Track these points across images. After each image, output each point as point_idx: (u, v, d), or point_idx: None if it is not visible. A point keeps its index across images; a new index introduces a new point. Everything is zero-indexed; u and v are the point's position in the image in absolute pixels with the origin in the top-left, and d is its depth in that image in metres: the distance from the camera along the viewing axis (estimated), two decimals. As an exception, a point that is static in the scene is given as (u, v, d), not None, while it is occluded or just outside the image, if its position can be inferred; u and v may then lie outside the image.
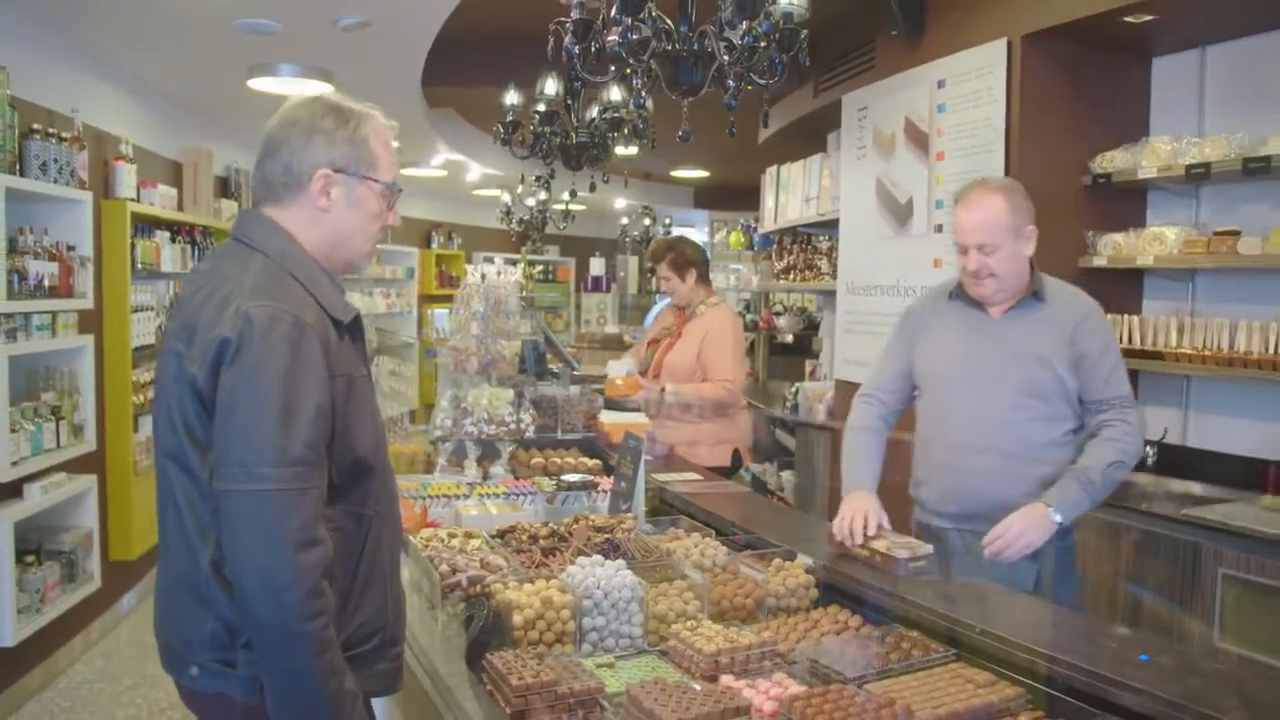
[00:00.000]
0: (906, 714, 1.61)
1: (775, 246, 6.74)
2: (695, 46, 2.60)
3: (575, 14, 2.63)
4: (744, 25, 2.45)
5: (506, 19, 5.09)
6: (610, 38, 2.53)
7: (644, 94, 2.93)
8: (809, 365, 6.66)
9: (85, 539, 4.46)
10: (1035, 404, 2.51)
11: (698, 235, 11.98)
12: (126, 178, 4.87)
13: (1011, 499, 2.43)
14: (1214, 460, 3.59)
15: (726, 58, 2.53)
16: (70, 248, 4.24)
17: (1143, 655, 1.74)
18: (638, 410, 4.02)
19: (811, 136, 6.30)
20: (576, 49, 2.66)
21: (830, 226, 5.47)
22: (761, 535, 2.56)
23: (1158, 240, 3.58)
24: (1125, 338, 3.62)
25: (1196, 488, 3.41)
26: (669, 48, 2.59)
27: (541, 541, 2.41)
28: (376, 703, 1.75)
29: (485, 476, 3.25)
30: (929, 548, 2.30)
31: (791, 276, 6.39)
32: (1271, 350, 3.19)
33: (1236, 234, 3.34)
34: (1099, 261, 3.75)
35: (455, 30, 4.49)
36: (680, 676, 1.82)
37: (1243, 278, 3.50)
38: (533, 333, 3.88)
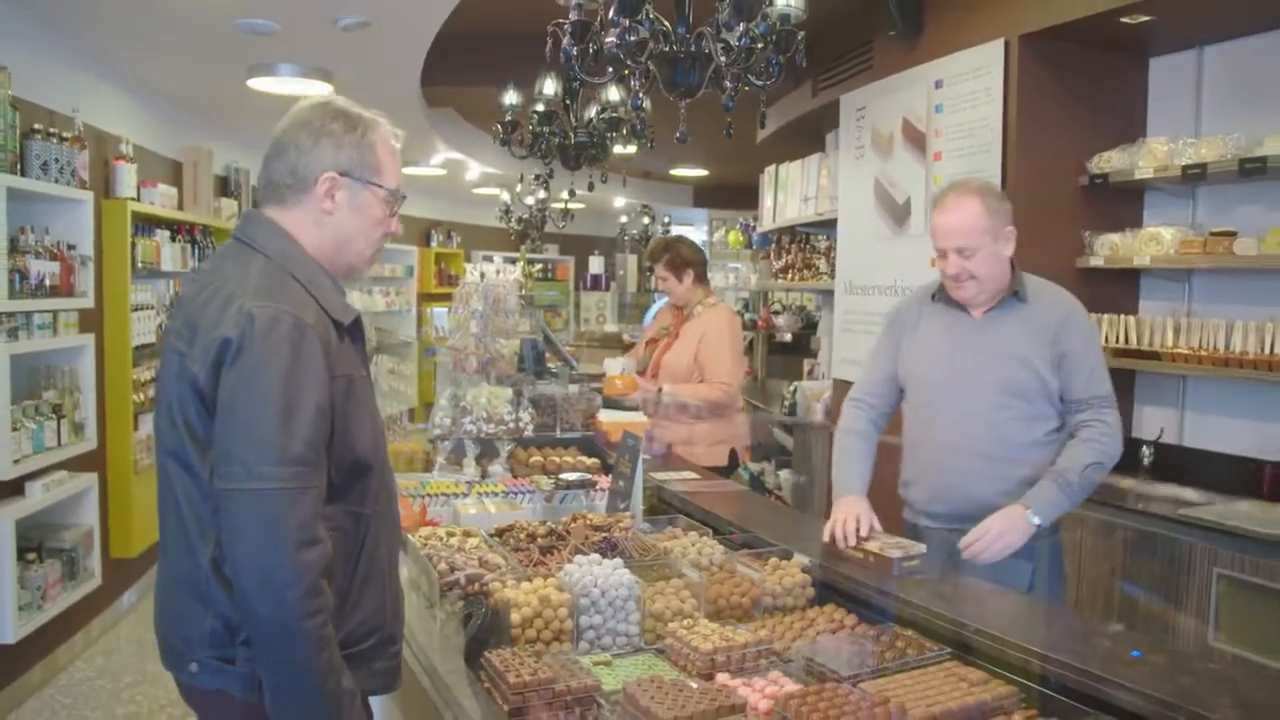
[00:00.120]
0: (900, 712, 1.62)
1: (774, 246, 6.74)
2: (693, 48, 2.61)
3: (573, 15, 2.64)
4: (741, 27, 2.46)
5: (506, 19, 5.11)
6: (608, 39, 2.55)
7: (642, 95, 2.94)
8: (807, 364, 6.67)
9: (86, 537, 4.47)
10: (1017, 404, 2.52)
11: (697, 234, 11.99)
12: (127, 177, 4.88)
13: (996, 499, 2.44)
14: (1210, 460, 3.60)
15: (724, 59, 2.54)
16: (71, 247, 4.25)
17: (1135, 651, 1.75)
18: (636, 409, 4.01)
19: (810, 136, 6.30)
20: (575, 50, 2.68)
21: (828, 226, 5.47)
22: (758, 534, 2.57)
23: (1154, 241, 3.59)
24: (1122, 338, 3.64)
25: (1191, 488, 3.41)
26: (666, 49, 2.60)
27: (539, 540, 2.42)
28: (375, 701, 1.76)
29: (484, 475, 3.26)
30: (922, 547, 2.31)
31: (790, 276, 6.39)
32: (1267, 350, 3.20)
33: (1233, 234, 3.35)
34: (1096, 262, 3.76)
35: (455, 30, 4.49)
36: (677, 674, 1.83)
37: (1239, 278, 3.51)
38: (532, 331, 3.89)
